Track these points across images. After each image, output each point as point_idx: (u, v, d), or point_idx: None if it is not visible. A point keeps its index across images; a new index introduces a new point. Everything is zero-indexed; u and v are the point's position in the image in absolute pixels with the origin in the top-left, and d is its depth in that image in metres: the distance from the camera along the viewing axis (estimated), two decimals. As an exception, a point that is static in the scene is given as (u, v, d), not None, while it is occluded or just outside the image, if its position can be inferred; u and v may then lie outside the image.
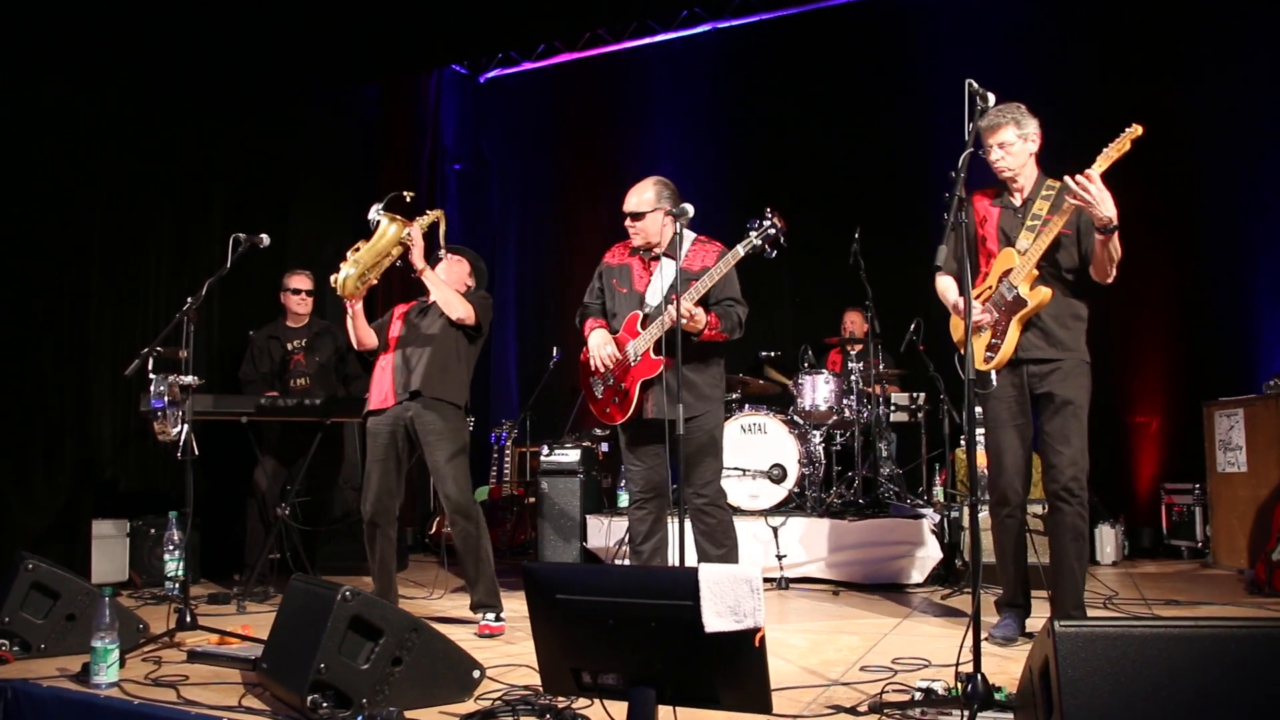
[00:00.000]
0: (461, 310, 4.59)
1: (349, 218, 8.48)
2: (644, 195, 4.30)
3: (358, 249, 4.50)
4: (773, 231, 4.06)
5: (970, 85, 3.30)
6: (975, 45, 7.47)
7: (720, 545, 4.30)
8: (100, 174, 6.34)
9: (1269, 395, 5.91)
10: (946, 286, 4.13)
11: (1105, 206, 3.59)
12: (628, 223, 4.30)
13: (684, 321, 3.94)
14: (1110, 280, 3.81)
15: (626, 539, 4.86)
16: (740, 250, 4.10)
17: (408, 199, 4.60)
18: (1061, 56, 7.35)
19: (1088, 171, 3.59)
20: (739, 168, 8.44)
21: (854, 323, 7.35)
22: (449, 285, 4.68)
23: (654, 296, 4.27)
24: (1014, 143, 3.90)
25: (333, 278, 4.48)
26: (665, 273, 4.28)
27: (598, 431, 5.78)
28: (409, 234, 4.49)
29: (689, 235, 4.31)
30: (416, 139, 9.09)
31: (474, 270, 4.93)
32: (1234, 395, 6.27)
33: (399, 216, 4.51)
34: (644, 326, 4.26)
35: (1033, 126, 3.93)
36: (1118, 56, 7.17)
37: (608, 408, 4.38)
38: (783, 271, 8.18)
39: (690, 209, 3.98)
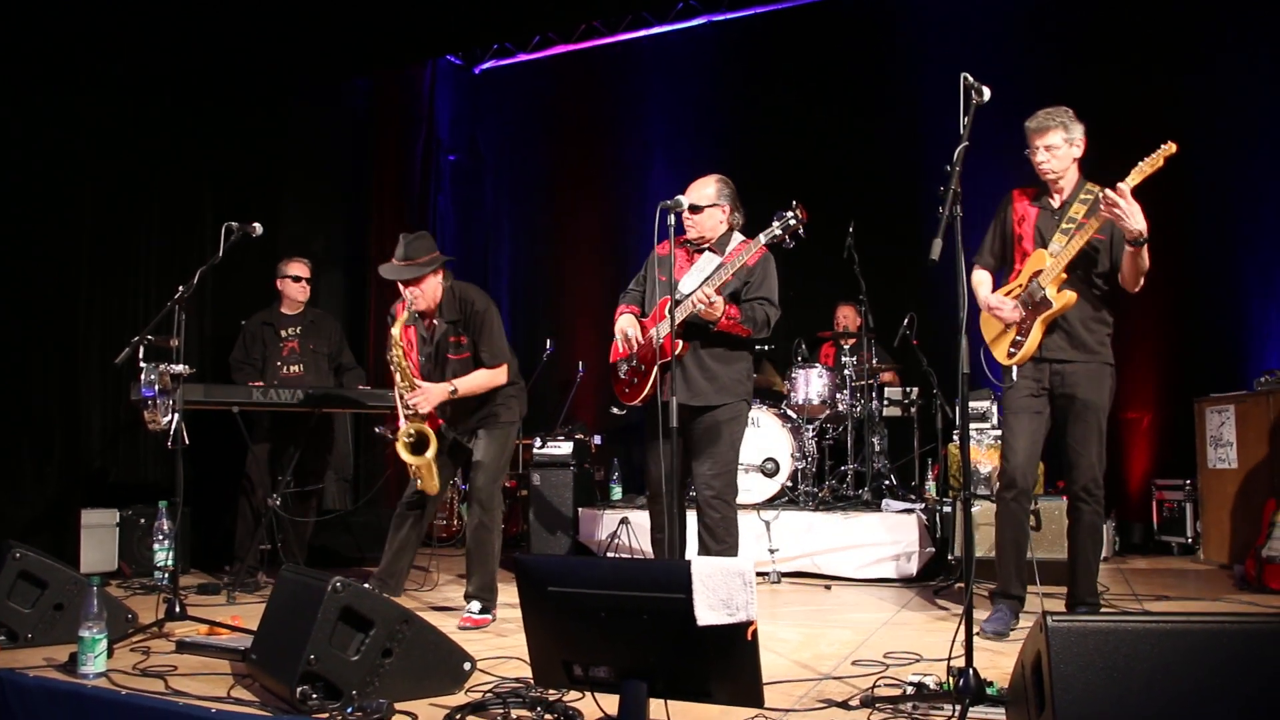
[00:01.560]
0: (499, 380, 4.61)
1: (342, 209, 8.49)
2: (705, 191, 4.41)
3: (419, 477, 4.61)
4: (793, 222, 4.18)
5: (965, 79, 3.27)
6: (970, 40, 7.46)
7: (721, 541, 4.33)
8: (91, 164, 6.31)
9: (1260, 392, 5.92)
10: (980, 281, 4.24)
11: (1135, 220, 3.68)
12: (685, 215, 4.33)
13: (702, 308, 4.11)
14: (1137, 289, 3.90)
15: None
16: (762, 239, 4.23)
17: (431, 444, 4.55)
18: (1055, 51, 7.35)
19: (1120, 186, 3.69)
20: (733, 161, 8.34)
21: (846, 317, 7.35)
22: (428, 297, 4.55)
23: (687, 286, 4.33)
24: (1060, 146, 3.96)
25: (421, 487, 4.66)
26: (704, 266, 4.38)
27: (615, 410, 5.79)
28: (431, 434, 4.54)
29: (737, 235, 4.46)
30: (411, 131, 9.07)
31: (435, 267, 4.53)
32: (1225, 392, 6.28)
33: (418, 456, 4.53)
34: (670, 311, 4.27)
35: (1079, 131, 3.99)
36: (1110, 50, 7.16)
37: (627, 388, 4.50)
38: (776, 265, 8.16)
39: (685, 200, 4.14)
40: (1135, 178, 3.71)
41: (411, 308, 4.54)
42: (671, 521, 4.22)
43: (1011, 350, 4.03)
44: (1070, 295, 3.91)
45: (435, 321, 4.63)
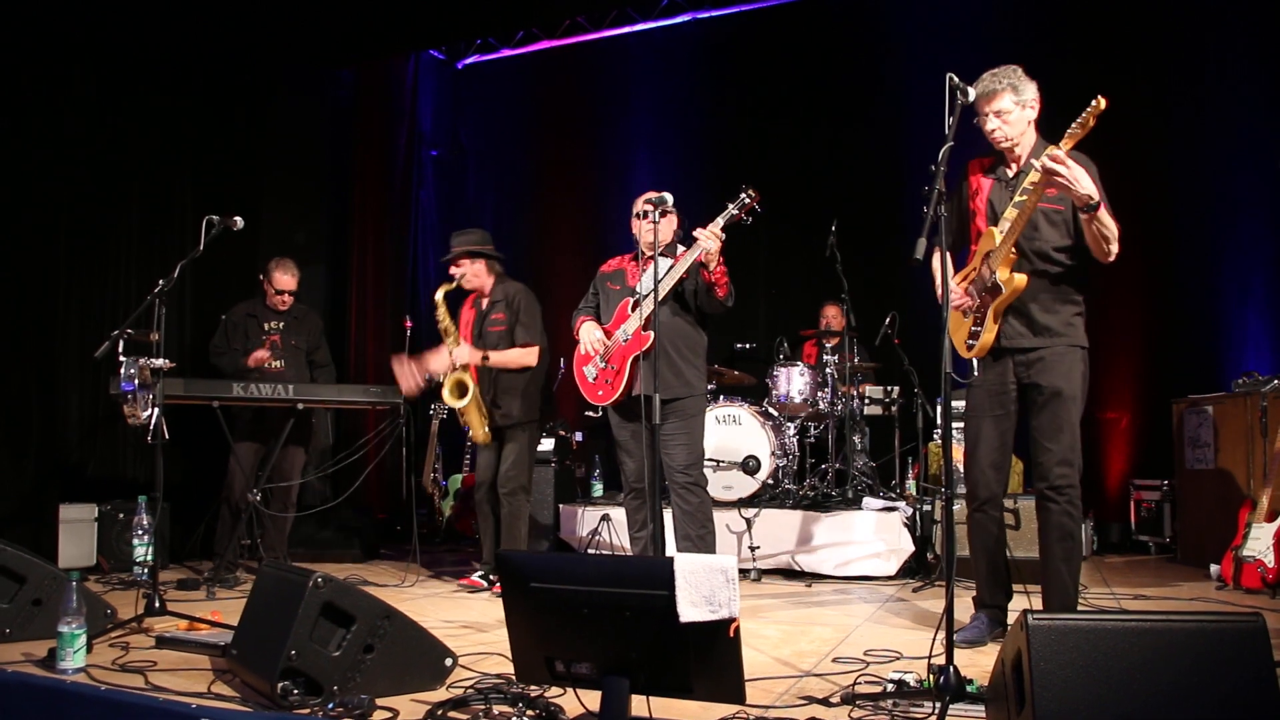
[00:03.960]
0: (529, 360, 5.31)
1: (323, 203, 8.44)
2: (665, 199, 4.58)
3: (469, 424, 5.34)
4: (748, 200, 4.34)
5: (951, 79, 3.21)
6: (952, 39, 7.48)
7: (701, 526, 4.57)
8: (69, 154, 6.26)
9: (1238, 393, 5.96)
10: (938, 266, 3.82)
11: (1081, 184, 3.38)
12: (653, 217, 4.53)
13: (713, 245, 4.29)
14: (1111, 259, 3.58)
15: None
16: (720, 220, 4.37)
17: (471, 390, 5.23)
18: (1035, 54, 7.31)
19: (1054, 152, 3.39)
20: (716, 158, 8.43)
21: (831, 316, 7.34)
22: (484, 283, 5.46)
23: (644, 286, 4.53)
24: (1011, 110, 3.64)
25: (472, 434, 5.38)
26: (657, 269, 4.51)
27: (590, 414, 5.87)
28: (470, 381, 5.22)
29: (681, 247, 4.74)
30: (393, 125, 9.03)
31: (485, 260, 5.44)
32: (1203, 393, 6.33)
33: (459, 396, 5.23)
34: (634, 310, 4.57)
35: (1031, 92, 3.68)
36: (1091, 53, 7.20)
37: (600, 389, 4.70)
38: (758, 263, 8.18)
39: (669, 196, 4.30)
40: (1067, 143, 3.38)
41: (458, 280, 5.39)
42: (653, 518, 4.29)
43: (969, 342, 3.73)
44: (1020, 279, 3.55)
45: (484, 302, 5.43)
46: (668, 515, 4.68)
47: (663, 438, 4.47)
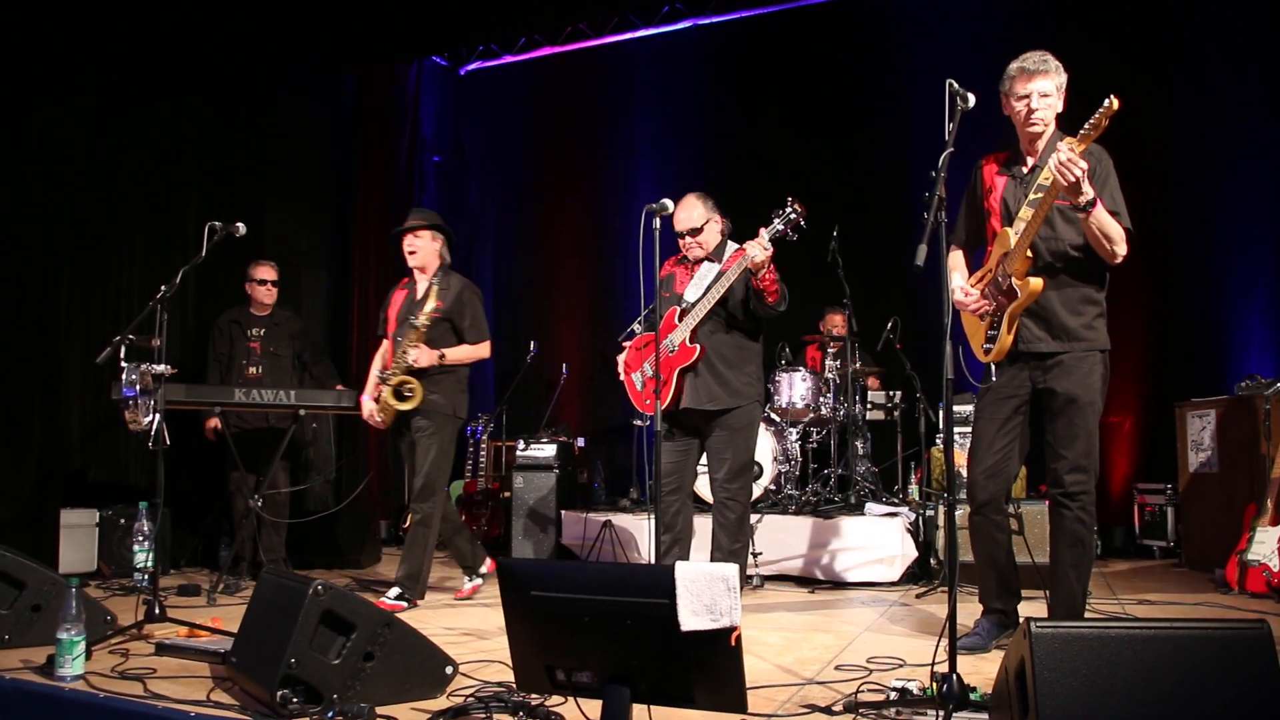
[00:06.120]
0: (484, 354, 5.15)
1: (326, 207, 8.45)
2: (694, 212, 4.66)
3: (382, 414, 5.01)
4: (794, 216, 4.36)
5: (951, 85, 3.16)
6: (955, 45, 7.47)
7: (733, 540, 4.58)
8: (72, 159, 6.26)
9: (1241, 396, 5.95)
10: (954, 265, 3.85)
11: (1083, 187, 3.31)
12: (687, 239, 4.64)
13: (759, 254, 4.30)
14: (1117, 260, 3.50)
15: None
16: (767, 234, 4.38)
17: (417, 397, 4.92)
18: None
19: (1071, 157, 3.28)
20: (717, 164, 8.43)
21: (834, 324, 7.31)
22: (430, 264, 5.13)
23: (692, 294, 4.60)
24: (1052, 94, 3.55)
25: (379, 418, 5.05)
26: (704, 274, 4.62)
27: (636, 422, 5.86)
28: (412, 382, 4.87)
29: (731, 245, 4.71)
30: (395, 130, 9.04)
31: (435, 231, 5.17)
32: (1206, 396, 6.31)
33: (400, 402, 4.90)
34: (681, 319, 4.57)
35: (1065, 81, 3.59)
36: (1094, 57, 7.16)
37: (649, 399, 4.66)
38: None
39: (670, 203, 4.22)
40: (1080, 145, 3.29)
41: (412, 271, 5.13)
42: (675, 522, 4.33)
43: (986, 346, 3.66)
44: (1036, 282, 3.45)
45: (420, 287, 5.07)
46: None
47: (709, 449, 4.61)
